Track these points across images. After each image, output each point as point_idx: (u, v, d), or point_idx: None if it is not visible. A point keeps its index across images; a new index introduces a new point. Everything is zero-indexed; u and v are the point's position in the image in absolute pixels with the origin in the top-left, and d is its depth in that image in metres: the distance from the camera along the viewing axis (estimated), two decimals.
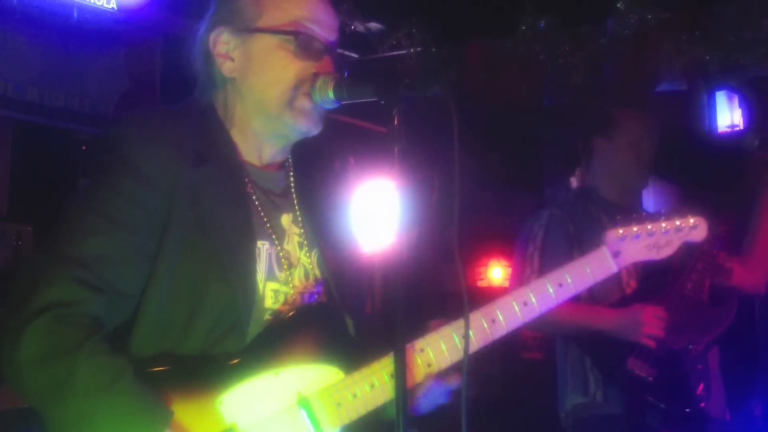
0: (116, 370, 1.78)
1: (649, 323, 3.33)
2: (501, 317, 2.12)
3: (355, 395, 1.98)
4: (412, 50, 5.71)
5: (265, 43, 2.06)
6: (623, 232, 2.19)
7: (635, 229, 2.17)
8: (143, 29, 5.46)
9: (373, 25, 5.83)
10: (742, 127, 5.96)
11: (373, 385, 2.00)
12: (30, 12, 4.79)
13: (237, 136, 2.10)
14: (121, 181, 1.90)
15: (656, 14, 5.23)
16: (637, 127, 3.74)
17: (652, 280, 3.55)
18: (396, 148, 1.84)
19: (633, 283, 3.57)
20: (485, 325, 2.10)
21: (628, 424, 3.43)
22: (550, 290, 2.15)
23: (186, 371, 1.90)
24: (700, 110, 6.00)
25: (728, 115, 6.03)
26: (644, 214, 2.17)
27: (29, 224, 5.14)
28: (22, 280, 1.84)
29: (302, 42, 2.04)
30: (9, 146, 5.51)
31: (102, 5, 4.95)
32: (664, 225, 2.21)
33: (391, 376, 1.97)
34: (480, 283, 8.38)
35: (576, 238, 3.62)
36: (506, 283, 7.48)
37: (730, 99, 6.00)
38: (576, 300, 3.56)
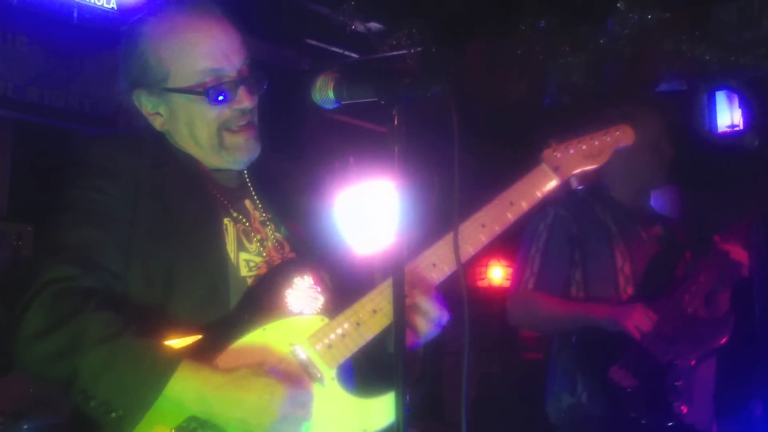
0: (122, 322, 1.91)
1: (639, 315, 3.33)
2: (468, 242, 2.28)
3: (343, 336, 2.05)
4: (412, 50, 5.70)
5: (180, 100, 2.15)
6: (556, 149, 2.34)
7: (566, 144, 2.34)
8: None
9: (373, 25, 5.82)
10: (742, 127, 5.95)
11: (359, 323, 2.06)
12: (30, 12, 4.79)
13: (189, 151, 2.21)
14: (89, 180, 2.07)
15: (656, 14, 5.23)
16: (657, 126, 3.68)
17: (651, 289, 3.52)
18: (396, 148, 1.87)
19: (630, 290, 3.54)
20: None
21: (611, 426, 3.42)
22: (504, 210, 2.27)
23: (174, 344, 1.95)
24: (700, 110, 5.99)
25: (728, 115, 6.02)
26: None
27: (29, 224, 5.15)
28: (21, 278, 1.96)
29: (213, 93, 2.11)
30: (9, 146, 5.51)
31: (102, 5, 4.95)
32: (592, 138, 2.37)
33: (373, 311, 2.07)
34: (480, 283, 8.36)
35: (578, 241, 3.61)
36: (506, 283, 7.47)
37: (730, 99, 5.99)
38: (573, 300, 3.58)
